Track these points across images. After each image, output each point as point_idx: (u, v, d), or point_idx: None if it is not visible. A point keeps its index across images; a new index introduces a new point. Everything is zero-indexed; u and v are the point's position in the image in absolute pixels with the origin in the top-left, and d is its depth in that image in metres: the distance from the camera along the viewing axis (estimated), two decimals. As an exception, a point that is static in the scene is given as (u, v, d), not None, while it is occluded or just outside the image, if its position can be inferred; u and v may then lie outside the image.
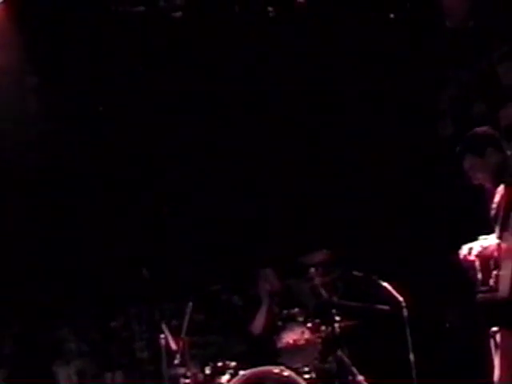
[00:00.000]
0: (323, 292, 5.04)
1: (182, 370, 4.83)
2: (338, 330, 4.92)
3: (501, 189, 3.74)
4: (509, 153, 3.67)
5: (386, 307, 4.96)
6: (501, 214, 3.68)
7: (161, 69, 5.78)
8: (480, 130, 3.95)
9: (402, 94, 6.09)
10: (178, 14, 5.30)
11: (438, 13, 5.40)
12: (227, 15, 5.47)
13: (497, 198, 3.79)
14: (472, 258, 3.68)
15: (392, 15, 5.35)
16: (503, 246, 3.60)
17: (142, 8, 5.29)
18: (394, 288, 4.85)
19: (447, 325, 5.75)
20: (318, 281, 5.07)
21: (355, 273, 5.03)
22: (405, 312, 4.80)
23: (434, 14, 5.40)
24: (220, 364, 4.81)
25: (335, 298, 5.08)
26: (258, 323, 5.22)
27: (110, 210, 5.73)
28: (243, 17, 5.48)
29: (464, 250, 3.73)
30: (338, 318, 4.95)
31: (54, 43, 5.47)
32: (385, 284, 4.87)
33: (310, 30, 5.60)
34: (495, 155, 3.72)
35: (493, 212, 3.80)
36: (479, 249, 3.68)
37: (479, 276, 3.67)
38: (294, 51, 5.77)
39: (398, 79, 6.05)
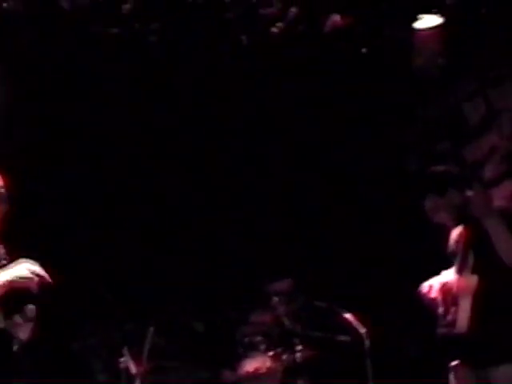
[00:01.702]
0: (286, 321, 5.06)
1: (141, 395, 4.78)
2: (299, 359, 4.94)
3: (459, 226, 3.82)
4: (469, 193, 3.71)
5: (347, 338, 4.99)
6: (460, 251, 3.75)
7: (135, 91, 5.79)
8: (441, 168, 4.01)
9: (367, 128, 6.19)
10: (153, 38, 5.31)
11: (408, 49, 5.49)
12: (202, 41, 5.51)
13: (454, 235, 3.86)
14: (433, 295, 3.73)
15: (364, 50, 5.43)
16: (462, 283, 3.67)
17: (115, 30, 5.29)
18: (356, 319, 4.88)
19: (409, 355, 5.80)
20: (280, 310, 5.08)
21: (318, 303, 5.06)
22: (366, 343, 4.83)
23: (404, 50, 5.49)
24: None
25: (298, 328, 5.09)
26: None
27: (69, 229, 5.68)
28: (218, 44, 5.52)
29: (425, 287, 3.79)
30: (299, 348, 4.97)
31: (26, 61, 5.44)
32: (347, 315, 4.90)
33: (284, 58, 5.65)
34: (456, 195, 3.77)
35: (451, 248, 3.88)
36: (438, 286, 3.74)
37: (441, 310, 3.73)
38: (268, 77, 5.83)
39: (365, 113, 6.15)
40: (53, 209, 5.65)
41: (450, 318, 3.66)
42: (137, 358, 4.87)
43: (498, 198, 5.51)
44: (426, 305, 3.80)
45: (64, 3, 4.91)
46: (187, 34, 5.23)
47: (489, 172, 5.78)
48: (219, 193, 6.05)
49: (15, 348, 3.33)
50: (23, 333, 3.33)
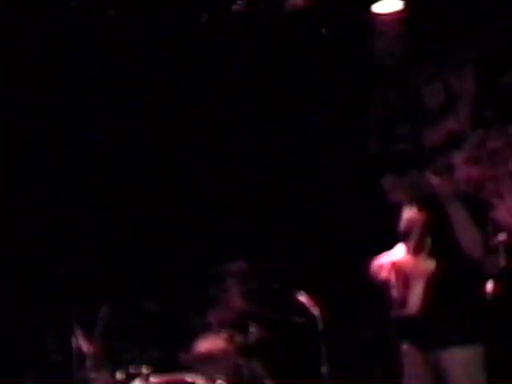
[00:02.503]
0: (240, 302, 5.05)
1: (93, 375, 4.75)
2: (253, 340, 4.94)
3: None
4: (430, 175, 3.72)
5: (301, 319, 5.01)
6: (416, 233, 3.75)
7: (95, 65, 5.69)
8: (401, 149, 4.02)
9: (329, 113, 6.18)
10: (111, 12, 5.22)
11: (368, 34, 5.49)
12: (162, 16, 5.43)
13: (407, 214, 3.87)
14: (384, 275, 3.74)
15: (324, 30, 5.41)
16: (417, 265, 3.68)
17: (74, 3, 5.17)
18: (309, 301, 4.89)
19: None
20: (234, 291, 5.07)
21: (272, 284, 5.07)
22: (320, 325, 4.85)
23: (364, 35, 5.49)
24: (132, 370, 4.75)
25: (251, 309, 5.09)
26: None
27: (26, 209, 5.60)
28: (177, 21, 5.45)
29: (375, 266, 3.80)
30: (253, 329, 4.97)
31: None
32: (301, 296, 4.91)
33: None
34: (415, 176, 3.77)
35: (402, 227, 3.89)
36: (389, 265, 3.76)
37: (394, 291, 3.75)
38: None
39: (324, 95, 6.14)
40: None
41: (401, 299, 3.68)
42: (89, 337, 4.83)
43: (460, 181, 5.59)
44: (376, 284, 3.81)
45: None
46: (146, 9, 5.16)
47: (450, 158, 5.83)
48: (173, 177, 6.00)
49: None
50: None
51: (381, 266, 3.77)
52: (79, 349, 4.77)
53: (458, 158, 5.76)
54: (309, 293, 4.89)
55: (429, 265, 3.63)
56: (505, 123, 5.53)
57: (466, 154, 5.73)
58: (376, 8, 5.21)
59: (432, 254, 3.65)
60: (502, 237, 4.97)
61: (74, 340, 4.77)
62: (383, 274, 3.75)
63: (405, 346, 3.80)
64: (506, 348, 4.41)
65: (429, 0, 5.22)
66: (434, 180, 3.61)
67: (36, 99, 5.61)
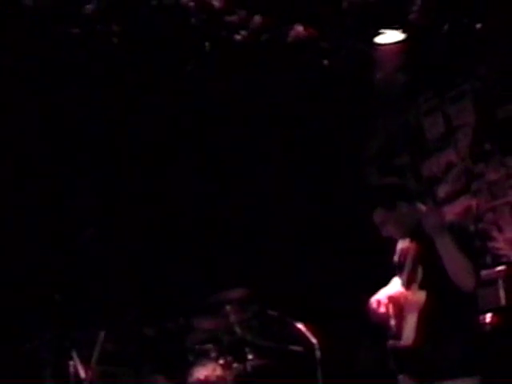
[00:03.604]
0: (237, 329, 5.05)
1: (89, 400, 4.73)
2: (250, 368, 4.93)
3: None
4: (421, 207, 3.72)
5: (299, 348, 5.00)
6: (408, 265, 3.76)
7: (95, 92, 5.74)
8: (389, 182, 4.01)
9: (328, 140, 6.22)
10: (115, 39, 5.28)
11: (369, 65, 5.54)
12: (165, 46, 5.49)
13: (400, 245, 3.89)
14: (383, 310, 3.74)
15: (326, 62, 5.46)
16: (409, 297, 3.69)
17: (77, 30, 5.24)
18: (307, 329, 4.89)
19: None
20: (232, 318, 5.07)
21: (270, 312, 5.06)
22: (317, 353, 4.84)
23: (365, 65, 5.54)
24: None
25: (249, 337, 5.09)
26: None
27: (21, 232, 5.60)
28: (181, 49, 5.50)
29: (373, 302, 3.79)
30: (250, 357, 4.96)
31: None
32: (299, 325, 4.90)
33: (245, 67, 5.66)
34: (405, 209, 3.77)
35: (396, 260, 3.90)
36: (386, 300, 3.76)
37: (392, 322, 3.75)
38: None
39: (325, 124, 6.18)
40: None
41: (396, 330, 3.68)
42: (86, 363, 4.82)
43: (451, 214, 5.61)
44: (375, 320, 3.80)
45: (27, 1, 4.86)
46: (149, 37, 5.21)
47: (443, 189, 5.86)
48: (173, 200, 6.02)
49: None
50: None
51: (378, 302, 3.76)
52: (76, 374, 4.76)
53: (455, 191, 5.81)
54: (307, 321, 4.89)
55: (420, 296, 3.63)
56: (504, 155, 5.56)
57: (455, 186, 5.78)
58: (378, 40, 5.26)
59: (423, 286, 3.64)
60: (500, 268, 4.97)
61: (71, 365, 4.76)
62: (381, 310, 3.74)
63: (401, 377, 3.80)
64: (504, 380, 4.39)
65: (429, 32, 5.26)
66: (422, 212, 3.61)
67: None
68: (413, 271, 3.71)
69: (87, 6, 4.87)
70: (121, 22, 5.05)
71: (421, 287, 3.65)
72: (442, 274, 3.52)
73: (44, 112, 5.68)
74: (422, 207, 3.71)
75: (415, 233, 3.74)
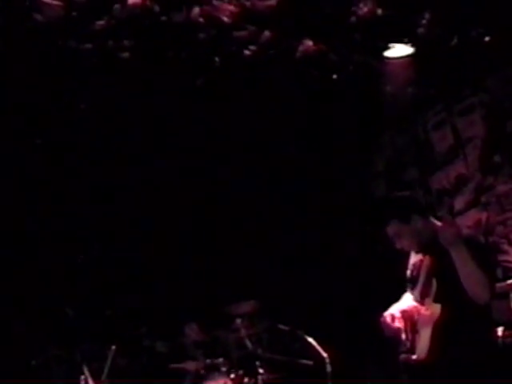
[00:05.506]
0: (248, 343, 5.04)
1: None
2: (260, 382, 4.92)
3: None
4: (435, 220, 3.72)
5: (309, 362, 4.99)
6: (422, 278, 3.76)
7: (107, 107, 5.78)
8: (404, 195, 4.01)
9: (339, 157, 6.23)
10: (126, 54, 5.32)
11: (378, 78, 5.56)
12: (175, 60, 5.52)
13: (413, 259, 3.88)
14: (396, 324, 3.73)
15: (334, 76, 5.48)
16: (423, 311, 3.68)
17: (89, 45, 5.28)
18: (318, 343, 4.88)
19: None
20: (243, 332, 5.07)
21: (281, 326, 5.06)
22: (328, 368, 4.83)
23: (374, 79, 5.55)
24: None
25: (260, 351, 5.08)
26: None
27: (32, 246, 5.63)
28: (191, 64, 5.53)
29: (387, 317, 3.78)
30: (261, 371, 4.96)
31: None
32: (310, 339, 4.90)
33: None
34: (420, 222, 3.76)
35: (409, 274, 3.90)
36: (399, 314, 3.75)
37: (405, 336, 3.74)
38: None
39: (334, 138, 6.20)
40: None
41: (409, 344, 3.67)
42: (97, 377, 4.82)
43: (463, 227, 5.60)
44: (388, 334, 3.79)
45: (38, 16, 4.90)
46: (160, 53, 5.24)
47: (460, 202, 5.85)
48: (181, 210, 6.03)
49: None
50: None
51: (392, 316, 3.75)
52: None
53: (468, 203, 5.79)
54: (317, 335, 4.89)
55: (435, 310, 3.62)
56: (513, 167, 5.56)
57: (470, 197, 5.77)
58: (386, 53, 5.28)
59: (438, 299, 3.64)
60: (511, 281, 4.97)
61: (82, 380, 4.76)
62: (396, 324, 3.73)
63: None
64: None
65: (438, 46, 5.28)
66: (437, 225, 3.61)
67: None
68: (427, 285, 3.70)
69: (98, 22, 4.91)
70: (131, 37, 5.08)
71: (435, 301, 3.64)
72: (457, 287, 3.52)
73: (57, 131, 5.72)
74: (435, 221, 3.71)
75: (429, 246, 3.74)
